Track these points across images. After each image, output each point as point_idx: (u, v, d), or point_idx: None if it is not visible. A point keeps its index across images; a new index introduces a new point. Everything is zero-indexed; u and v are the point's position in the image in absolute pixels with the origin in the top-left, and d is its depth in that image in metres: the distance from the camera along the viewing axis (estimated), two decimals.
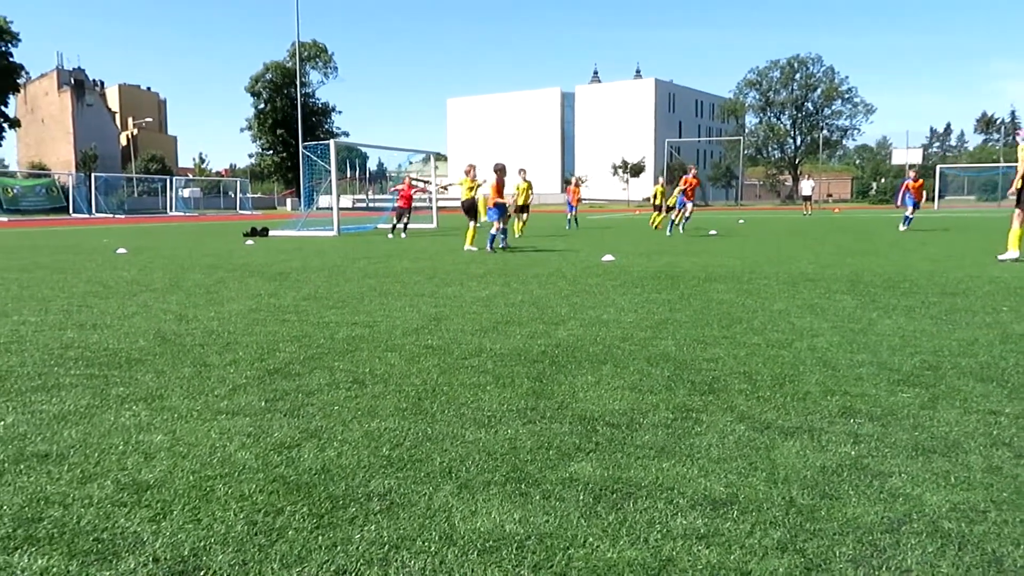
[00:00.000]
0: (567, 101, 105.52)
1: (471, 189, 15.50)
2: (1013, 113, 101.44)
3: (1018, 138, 14.07)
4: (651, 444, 3.10)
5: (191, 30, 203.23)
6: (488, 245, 14.33)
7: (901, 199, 21.55)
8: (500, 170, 14.93)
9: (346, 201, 72.14)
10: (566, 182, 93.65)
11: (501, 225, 14.66)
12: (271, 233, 22.22)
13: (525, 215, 20.18)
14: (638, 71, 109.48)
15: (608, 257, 12.00)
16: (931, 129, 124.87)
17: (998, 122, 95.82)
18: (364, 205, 71.12)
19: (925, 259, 11.41)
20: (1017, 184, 10.70)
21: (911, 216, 20.99)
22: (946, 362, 4.46)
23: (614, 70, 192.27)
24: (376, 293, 8.07)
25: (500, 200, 14.79)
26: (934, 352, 4.74)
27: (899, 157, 67.18)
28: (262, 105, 78.15)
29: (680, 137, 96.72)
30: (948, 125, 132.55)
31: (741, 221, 30.56)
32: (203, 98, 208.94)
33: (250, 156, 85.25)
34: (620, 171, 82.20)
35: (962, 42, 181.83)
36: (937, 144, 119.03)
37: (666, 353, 4.84)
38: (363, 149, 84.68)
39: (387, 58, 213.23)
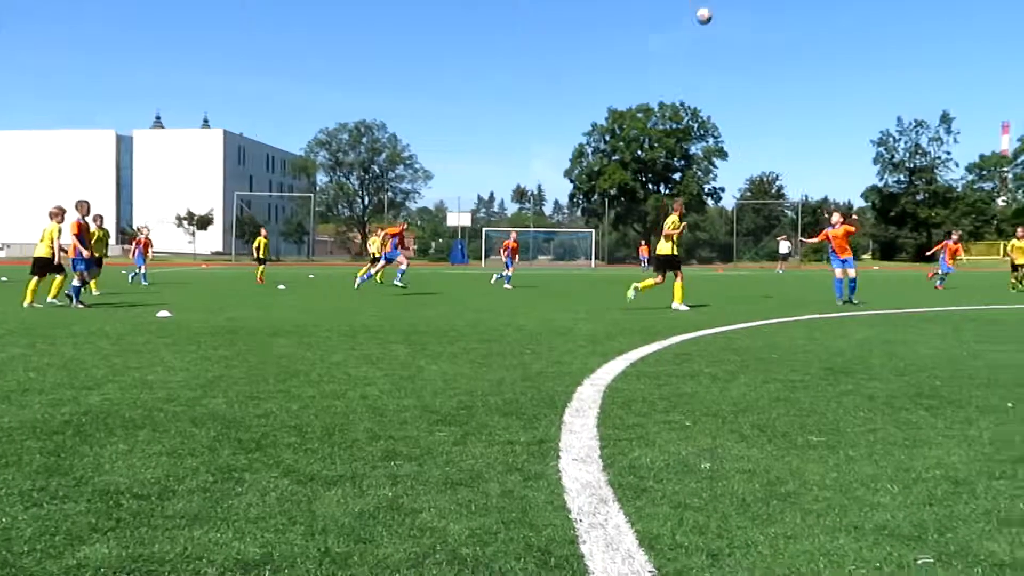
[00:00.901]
0: (124, 145, 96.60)
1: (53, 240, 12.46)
2: (540, 187, 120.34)
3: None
4: (184, 512, 2.84)
5: None
6: (74, 300, 12.31)
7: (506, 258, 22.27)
8: (86, 209, 12.89)
9: None
10: (123, 232, 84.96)
11: (82, 280, 12.71)
12: None
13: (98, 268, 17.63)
14: (206, 120, 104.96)
15: (164, 313, 11.08)
16: (478, 196, 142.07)
17: (529, 193, 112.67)
18: None
19: (471, 310, 12.72)
20: None
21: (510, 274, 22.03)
22: (479, 401, 4.95)
23: (179, 117, 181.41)
24: None
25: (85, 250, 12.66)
26: (469, 393, 5.23)
27: (452, 219, 74.66)
28: None
29: (251, 191, 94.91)
30: (492, 193, 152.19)
31: (311, 276, 30.91)
32: None
33: None
34: (186, 223, 77.43)
35: (508, 121, 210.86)
36: (483, 210, 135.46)
37: (215, 412, 4.56)
38: None
39: None
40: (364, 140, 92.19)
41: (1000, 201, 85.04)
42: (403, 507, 2.92)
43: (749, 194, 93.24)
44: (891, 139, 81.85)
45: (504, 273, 22.38)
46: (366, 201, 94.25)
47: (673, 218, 12.98)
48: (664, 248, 13.05)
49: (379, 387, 5.42)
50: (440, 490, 3.13)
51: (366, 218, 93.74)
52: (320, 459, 3.57)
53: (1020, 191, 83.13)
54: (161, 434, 4.02)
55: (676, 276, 12.93)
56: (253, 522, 2.75)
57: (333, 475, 3.32)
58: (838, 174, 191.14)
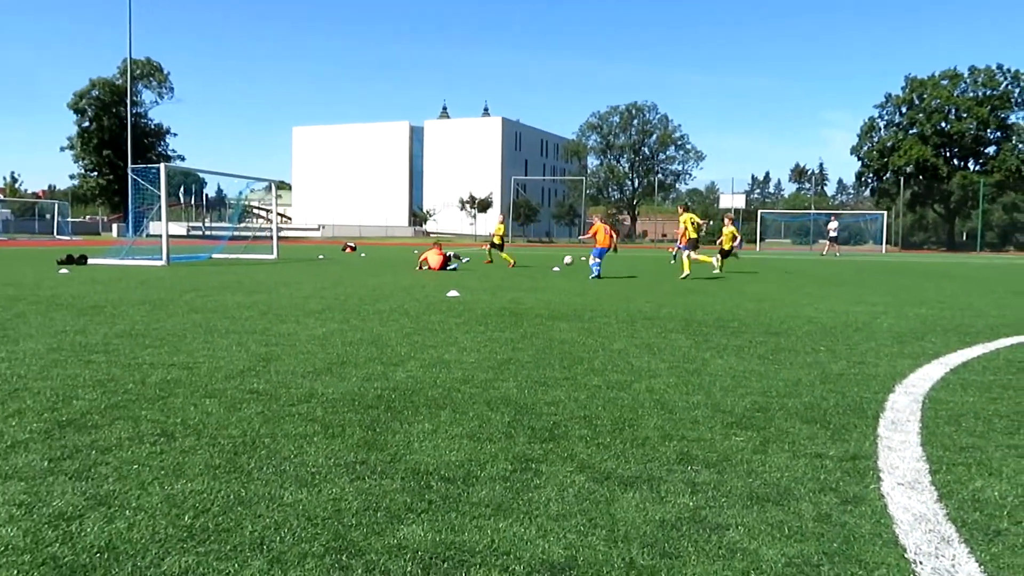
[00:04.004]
0: (416, 135, 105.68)
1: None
2: (821, 165, 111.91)
3: None
4: (488, 500, 2.90)
5: None
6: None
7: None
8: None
9: (180, 228, 68.36)
10: (415, 215, 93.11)
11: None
12: (90, 261, 20.42)
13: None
14: (486, 109, 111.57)
15: (453, 293, 11.85)
16: (752, 176, 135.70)
17: (809, 172, 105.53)
18: (200, 233, 67.61)
19: (750, 299, 12.07)
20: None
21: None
22: (774, 403, 4.59)
23: (463, 107, 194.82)
24: (201, 330, 7.46)
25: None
26: (763, 393, 4.88)
27: (725, 201, 72.08)
28: (87, 123, 72.79)
29: (526, 175, 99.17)
30: (767, 173, 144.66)
31: (584, 258, 31.48)
32: (13, 112, 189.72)
33: (71, 177, 78.96)
34: (468, 206, 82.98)
35: (794, 90, 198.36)
36: (758, 190, 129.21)
37: (507, 396, 4.69)
38: (201, 175, 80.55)
39: (231, 82, 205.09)
40: (635, 122, 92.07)
41: None
42: (707, 520, 2.73)
43: None
44: None
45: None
46: (636, 183, 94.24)
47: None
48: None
49: (664, 380, 5.26)
50: (745, 505, 2.89)
51: (636, 200, 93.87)
52: (613, 456, 3.49)
53: None
54: (460, 416, 4.20)
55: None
56: (555, 519, 2.73)
57: (629, 475, 3.22)
58: None
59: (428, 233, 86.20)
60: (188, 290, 12.20)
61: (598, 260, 18.14)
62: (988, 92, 70.47)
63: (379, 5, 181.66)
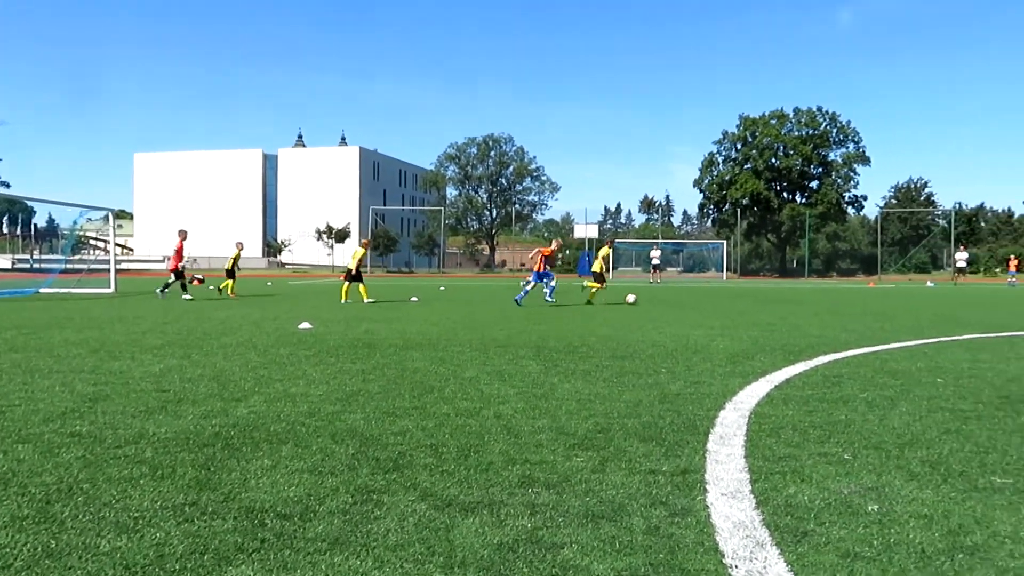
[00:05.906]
0: (270, 163, 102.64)
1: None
2: (668, 197, 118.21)
3: None
4: (325, 535, 2.83)
5: None
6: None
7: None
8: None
9: (4, 261, 62.80)
10: (269, 246, 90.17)
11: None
12: None
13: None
14: (343, 138, 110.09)
15: (305, 325, 11.53)
16: (605, 207, 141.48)
17: (657, 204, 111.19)
18: (27, 266, 62.37)
19: (601, 325, 12.50)
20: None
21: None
22: (615, 424, 4.77)
23: (319, 136, 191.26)
24: (20, 370, 6.86)
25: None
26: (605, 415, 5.05)
27: (579, 231, 74.52)
28: None
29: (385, 205, 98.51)
30: (619, 204, 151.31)
31: (442, 288, 31.54)
32: None
33: None
34: (325, 236, 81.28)
35: (643, 125, 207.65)
36: (610, 221, 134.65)
37: (353, 428, 4.61)
38: (29, 203, 74.49)
39: (65, 105, 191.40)
40: (492, 154, 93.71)
41: None
42: (543, 540, 2.79)
43: (895, 202, 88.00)
44: None
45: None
46: (494, 214, 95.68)
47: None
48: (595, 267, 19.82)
49: (513, 405, 5.34)
50: (581, 523, 2.98)
51: (494, 231, 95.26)
52: (457, 483, 3.50)
53: None
54: (303, 450, 4.08)
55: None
56: (392, 550, 2.70)
57: (470, 501, 3.24)
58: (998, 179, 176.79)
59: (283, 264, 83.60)
60: (8, 327, 11.19)
61: (531, 283, 18.70)
62: (810, 131, 77.08)
63: (227, 30, 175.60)
